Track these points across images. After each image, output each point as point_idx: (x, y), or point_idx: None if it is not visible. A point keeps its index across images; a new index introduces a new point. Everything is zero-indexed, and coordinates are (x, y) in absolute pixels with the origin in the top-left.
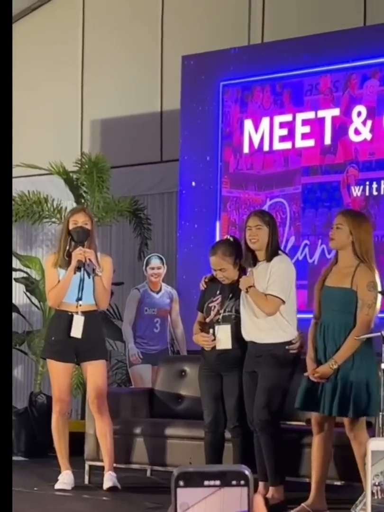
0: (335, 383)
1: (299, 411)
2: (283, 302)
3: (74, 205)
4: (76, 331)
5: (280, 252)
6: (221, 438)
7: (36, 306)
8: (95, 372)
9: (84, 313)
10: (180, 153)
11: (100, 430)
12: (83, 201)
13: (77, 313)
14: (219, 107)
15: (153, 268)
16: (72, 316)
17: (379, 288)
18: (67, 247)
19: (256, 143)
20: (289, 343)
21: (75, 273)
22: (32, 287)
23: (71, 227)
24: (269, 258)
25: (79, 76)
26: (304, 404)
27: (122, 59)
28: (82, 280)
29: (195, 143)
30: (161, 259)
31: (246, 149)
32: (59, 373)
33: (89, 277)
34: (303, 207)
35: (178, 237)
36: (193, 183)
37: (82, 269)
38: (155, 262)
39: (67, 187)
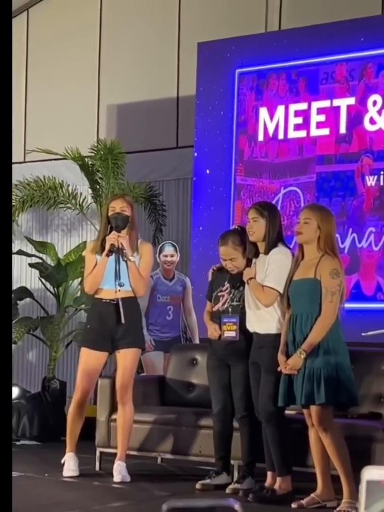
0: (303, 372)
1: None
2: (280, 294)
3: (89, 191)
4: (119, 317)
5: (280, 244)
6: (230, 428)
7: (51, 292)
8: (124, 361)
9: (123, 299)
10: (195, 140)
11: (119, 418)
12: (98, 187)
13: (114, 300)
14: (235, 95)
15: (166, 256)
16: (107, 303)
17: (342, 276)
18: (105, 235)
19: (271, 131)
20: None
21: (107, 256)
22: (47, 272)
23: (109, 213)
24: (267, 250)
25: (96, 61)
26: (284, 399)
27: (139, 45)
28: (118, 266)
29: (210, 130)
30: (174, 246)
31: (261, 137)
32: (90, 361)
33: (125, 262)
34: (317, 196)
35: (192, 225)
36: (208, 171)
37: (115, 253)
38: (168, 249)
39: (83, 172)
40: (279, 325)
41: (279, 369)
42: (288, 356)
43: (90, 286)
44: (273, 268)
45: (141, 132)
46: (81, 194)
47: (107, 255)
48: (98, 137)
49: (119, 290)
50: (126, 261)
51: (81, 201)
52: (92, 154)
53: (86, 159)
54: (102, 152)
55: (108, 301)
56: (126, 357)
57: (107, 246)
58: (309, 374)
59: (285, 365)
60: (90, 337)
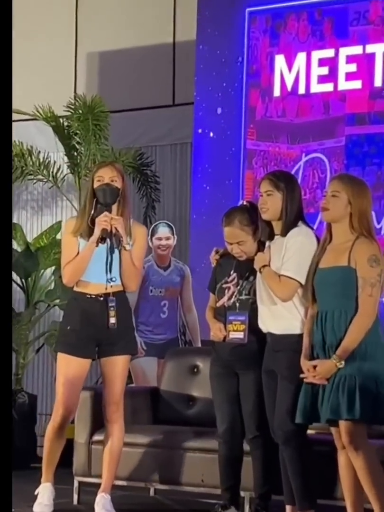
0: (332, 381)
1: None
2: (301, 284)
3: (65, 159)
4: (109, 319)
5: (300, 223)
6: (239, 451)
7: (18, 284)
8: (115, 370)
9: (114, 294)
10: (195, 96)
11: (107, 440)
12: (75, 153)
13: (108, 295)
14: (244, 40)
15: (160, 239)
16: (93, 300)
17: (383, 264)
18: (92, 212)
19: (289, 85)
20: None
21: (97, 245)
22: (13, 260)
23: (96, 185)
24: (285, 231)
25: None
26: (305, 415)
27: None
28: (110, 256)
29: (214, 83)
30: (170, 227)
31: (277, 92)
32: (71, 370)
33: (118, 250)
34: (347, 164)
35: (191, 201)
36: (211, 134)
37: (107, 240)
38: (163, 231)
39: (56, 136)
40: (301, 323)
41: (302, 376)
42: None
43: (70, 278)
44: (292, 253)
45: (129, 86)
46: (54, 162)
47: (98, 243)
48: (75, 93)
49: (111, 286)
50: (119, 250)
51: (54, 171)
52: (69, 114)
53: (60, 120)
54: (80, 111)
55: (94, 297)
56: (116, 366)
57: (97, 231)
58: (339, 383)
59: (312, 372)
60: (71, 341)
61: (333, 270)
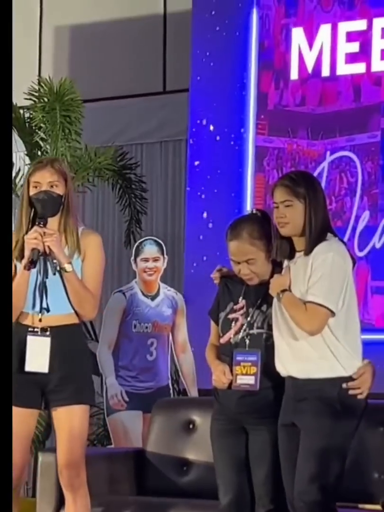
0: None
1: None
2: (333, 313)
3: (26, 159)
4: (37, 361)
5: (328, 236)
6: None
7: None
8: (69, 423)
9: (52, 329)
10: (191, 80)
11: None
12: (39, 153)
13: (35, 331)
14: (253, 9)
15: (146, 260)
16: (32, 333)
17: None
18: (29, 226)
19: (310, 65)
20: (348, 379)
21: (28, 269)
22: None
23: (31, 193)
24: (309, 248)
25: None
26: None
27: None
28: (41, 279)
29: (215, 64)
30: (159, 245)
31: (294, 75)
32: (14, 422)
33: (54, 274)
34: (383, 165)
35: (186, 211)
36: (211, 127)
37: (38, 263)
38: (150, 250)
39: (16, 131)
40: (330, 365)
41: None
42: None
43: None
44: (320, 274)
45: (108, 69)
46: (13, 164)
47: (27, 268)
48: (39, 76)
49: (40, 320)
50: (59, 272)
51: (13, 174)
52: (31, 103)
53: (20, 111)
54: (45, 99)
55: (31, 330)
56: (71, 418)
57: (27, 253)
58: None
59: None
60: (14, 387)
61: None
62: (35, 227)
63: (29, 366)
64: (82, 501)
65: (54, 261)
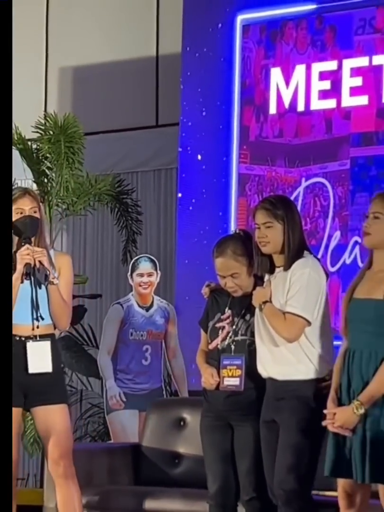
0: (363, 436)
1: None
2: (308, 322)
3: (34, 186)
4: (40, 363)
5: (305, 253)
6: None
7: None
8: (56, 421)
9: (42, 337)
10: (181, 115)
11: (64, 502)
12: (46, 180)
13: (34, 338)
14: (235, 51)
15: (141, 275)
16: (19, 342)
17: None
18: (14, 249)
19: (287, 101)
20: (322, 380)
21: (22, 281)
22: None
23: (15, 218)
24: (288, 264)
25: (44, 8)
26: (333, 468)
27: None
28: (35, 291)
29: (202, 101)
30: (153, 262)
31: (273, 109)
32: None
33: (41, 287)
34: (352, 190)
35: (177, 232)
36: (199, 157)
37: (31, 276)
38: (144, 266)
39: (24, 160)
40: (306, 368)
41: (324, 424)
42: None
43: None
44: (298, 288)
45: (107, 105)
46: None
47: (23, 280)
48: (45, 112)
49: (37, 327)
50: (46, 286)
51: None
52: (38, 135)
53: (29, 143)
54: (51, 132)
55: (24, 339)
56: (56, 416)
57: (20, 267)
58: (373, 439)
59: (331, 420)
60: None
61: (366, 302)
62: (26, 245)
63: (33, 368)
64: (73, 488)
65: (45, 274)
